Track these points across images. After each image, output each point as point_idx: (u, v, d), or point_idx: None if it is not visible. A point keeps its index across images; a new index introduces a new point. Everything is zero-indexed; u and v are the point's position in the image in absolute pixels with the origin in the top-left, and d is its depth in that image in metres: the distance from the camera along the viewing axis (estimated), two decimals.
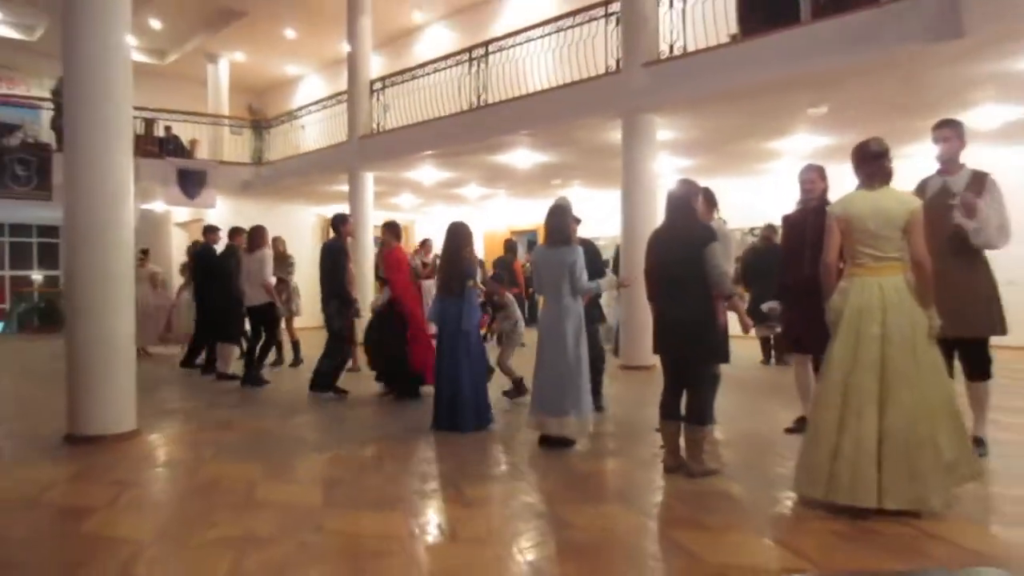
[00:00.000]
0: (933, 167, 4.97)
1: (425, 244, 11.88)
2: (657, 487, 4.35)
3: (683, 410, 4.48)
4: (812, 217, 5.21)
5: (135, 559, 3.20)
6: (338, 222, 7.88)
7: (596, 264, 6.42)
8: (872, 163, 3.97)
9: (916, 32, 6.96)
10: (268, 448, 5.41)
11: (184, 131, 17.11)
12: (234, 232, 9.43)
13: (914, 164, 10.50)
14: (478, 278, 6.34)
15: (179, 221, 18.77)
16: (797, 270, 5.24)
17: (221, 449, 5.38)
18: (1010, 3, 6.08)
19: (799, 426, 5.32)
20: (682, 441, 4.48)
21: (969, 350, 4.69)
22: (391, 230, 7.80)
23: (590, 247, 6.69)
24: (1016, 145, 10.69)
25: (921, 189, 4.81)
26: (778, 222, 6.30)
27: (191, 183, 15.73)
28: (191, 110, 17.36)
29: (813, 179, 5.36)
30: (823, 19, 7.84)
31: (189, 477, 4.67)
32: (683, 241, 4.41)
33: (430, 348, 7.06)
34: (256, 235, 8.78)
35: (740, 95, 8.77)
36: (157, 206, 17.42)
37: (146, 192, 16.36)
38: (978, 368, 4.71)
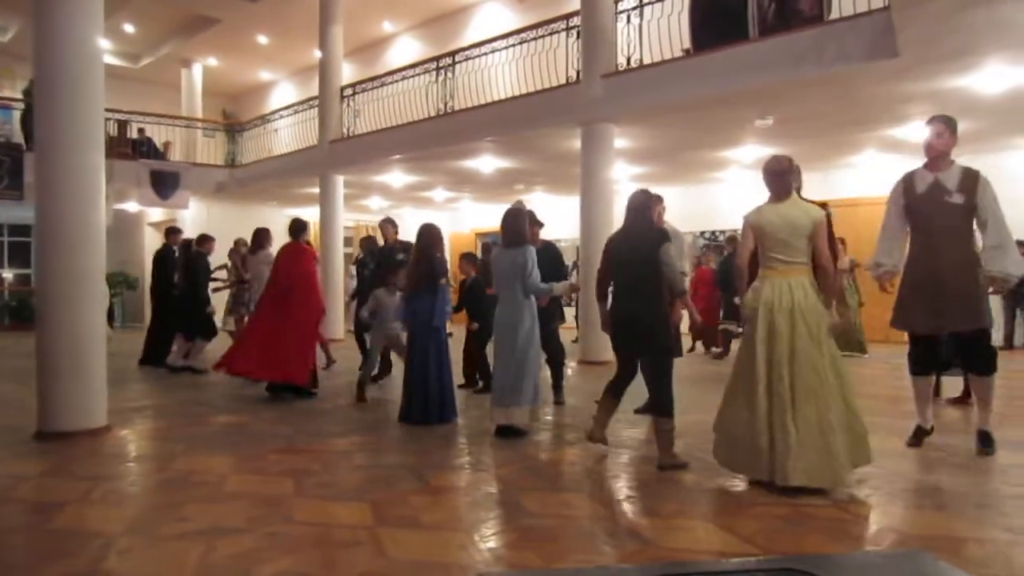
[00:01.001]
0: (868, 175, 5.03)
1: None
2: (612, 475, 4.39)
3: (641, 401, 4.57)
4: None
5: (105, 552, 3.12)
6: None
7: (557, 267, 6.44)
8: (778, 179, 4.21)
9: (855, 51, 7.12)
10: (239, 442, 5.32)
11: (157, 133, 16.78)
12: (203, 239, 9.53)
13: (856, 174, 10.85)
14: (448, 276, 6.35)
15: (152, 221, 18.41)
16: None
17: (192, 443, 5.27)
18: (940, 27, 6.24)
19: None
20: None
21: (972, 344, 4.47)
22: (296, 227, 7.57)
23: (553, 250, 6.72)
24: None
25: (909, 184, 4.62)
26: (730, 228, 6.38)
27: (164, 184, 15.41)
28: (164, 113, 17.02)
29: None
30: (770, 37, 7.97)
31: (160, 471, 4.57)
32: (640, 243, 4.52)
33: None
34: (261, 236, 8.85)
35: (692, 107, 8.88)
36: (130, 207, 17.06)
37: (120, 193, 16.02)
38: (982, 361, 4.49)
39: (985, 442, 4.53)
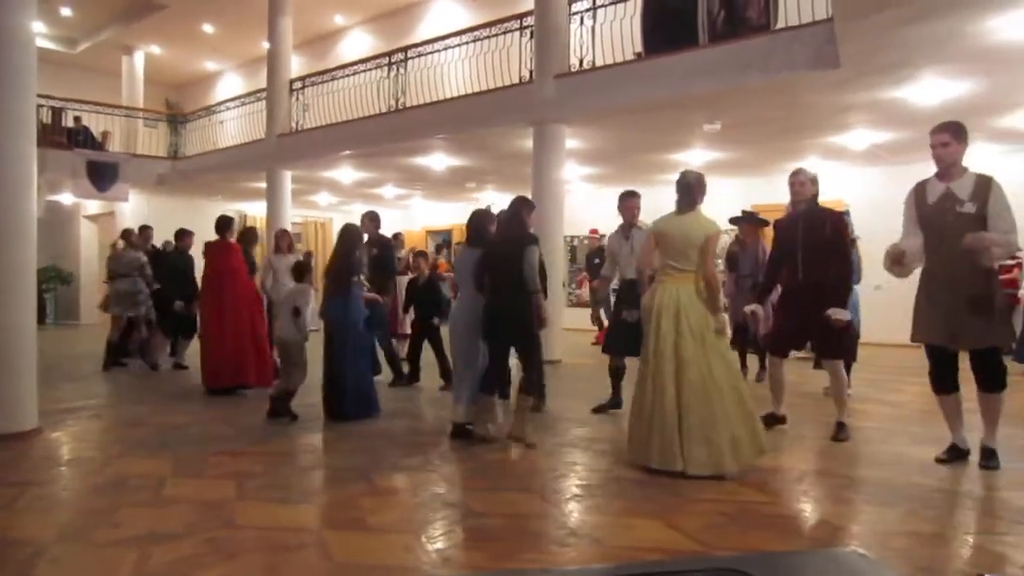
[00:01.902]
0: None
1: (398, 238, 10.94)
2: (560, 475, 4.40)
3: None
4: (804, 220, 5.16)
5: (35, 560, 3.00)
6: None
7: None
8: (685, 192, 4.50)
9: (800, 61, 7.30)
10: (179, 444, 5.17)
11: (95, 122, 16.15)
12: (182, 234, 9.32)
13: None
14: (363, 276, 6.40)
15: (89, 214, 17.78)
16: (791, 274, 5.17)
17: (129, 446, 5.11)
18: (879, 40, 6.44)
19: (767, 423, 5.13)
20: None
21: (982, 361, 4.26)
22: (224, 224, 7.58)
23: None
24: (881, 166, 11.37)
25: (921, 194, 4.44)
26: None
27: (102, 176, 14.87)
28: (103, 101, 16.43)
29: (803, 182, 5.17)
30: (718, 44, 8.12)
31: (94, 475, 4.41)
32: (512, 245, 4.99)
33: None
34: (282, 238, 8.98)
35: (642, 109, 8.99)
36: (65, 198, 16.44)
37: (53, 184, 15.40)
38: (991, 379, 4.26)
39: (988, 457, 4.32)
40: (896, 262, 4.46)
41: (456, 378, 5.42)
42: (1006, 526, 3.39)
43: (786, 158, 10.97)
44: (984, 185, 4.24)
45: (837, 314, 4.96)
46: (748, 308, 5.90)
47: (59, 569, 2.96)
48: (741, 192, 13.07)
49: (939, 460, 4.50)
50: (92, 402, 6.96)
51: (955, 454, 4.48)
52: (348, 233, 6.24)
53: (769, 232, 5.98)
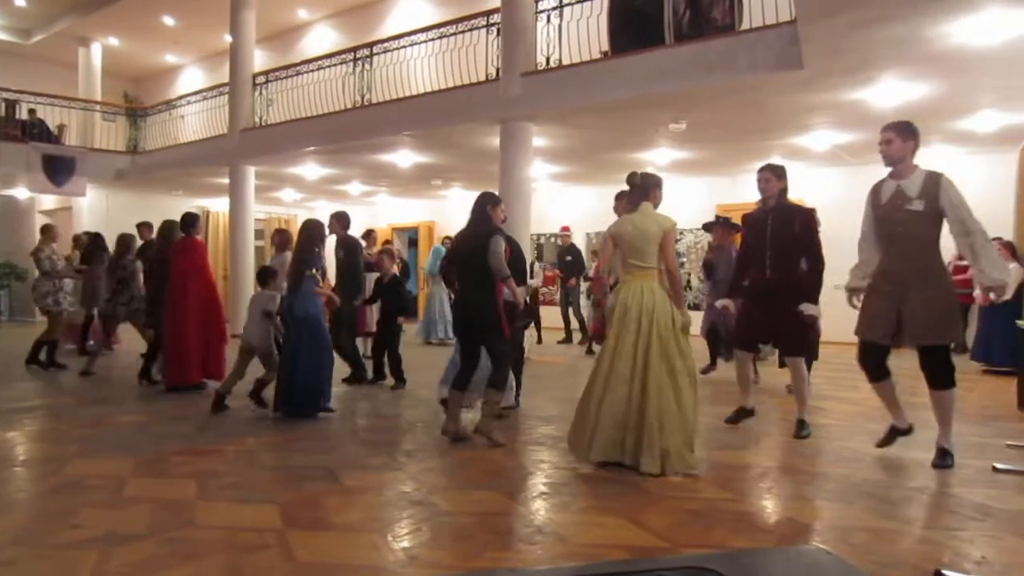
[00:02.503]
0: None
1: (370, 236, 10.73)
2: (527, 473, 4.42)
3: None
4: (773, 216, 5.16)
5: None
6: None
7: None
8: (634, 193, 4.72)
9: (764, 62, 7.40)
10: (138, 443, 5.07)
11: (51, 115, 15.71)
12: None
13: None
14: (320, 270, 6.31)
15: (45, 209, 17.33)
16: (759, 270, 5.20)
17: (87, 445, 4.99)
18: (841, 41, 6.57)
19: (737, 418, 5.42)
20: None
21: (930, 359, 4.31)
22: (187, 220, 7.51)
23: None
24: (843, 166, 11.60)
25: (876, 194, 4.53)
26: None
27: (58, 170, 14.50)
28: (59, 94, 16.00)
29: (768, 178, 5.19)
30: (684, 44, 8.20)
31: (51, 476, 4.30)
32: (477, 240, 5.05)
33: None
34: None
35: (609, 108, 9.04)
36: (19, 193, 16.00)
37: (7, 178, 15.00)
38: (940, 376, 4.31)
39: (942, 456, 4.39)
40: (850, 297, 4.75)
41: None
42: (961, 522, 3.48)
43: (751, 158, 11.12)
44: (933, 183, 4.29)
45: (809, 309, 5.02)
46: (720, 303, 5.97)
47: (15, 572, 2.89)
48: (707, 192, 13.25)
49: (879, 445, 4.71)
50: (48, 401, 6.80)
51: (894, 435, 4.68)
52: (307, 228, 6.28)
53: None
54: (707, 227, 8.46)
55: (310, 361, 5.94)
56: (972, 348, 9.34)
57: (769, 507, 3.82)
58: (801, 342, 5.28)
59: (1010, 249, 8.71)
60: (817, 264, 5.17)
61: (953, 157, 10.48)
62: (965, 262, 10.31)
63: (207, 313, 7.27)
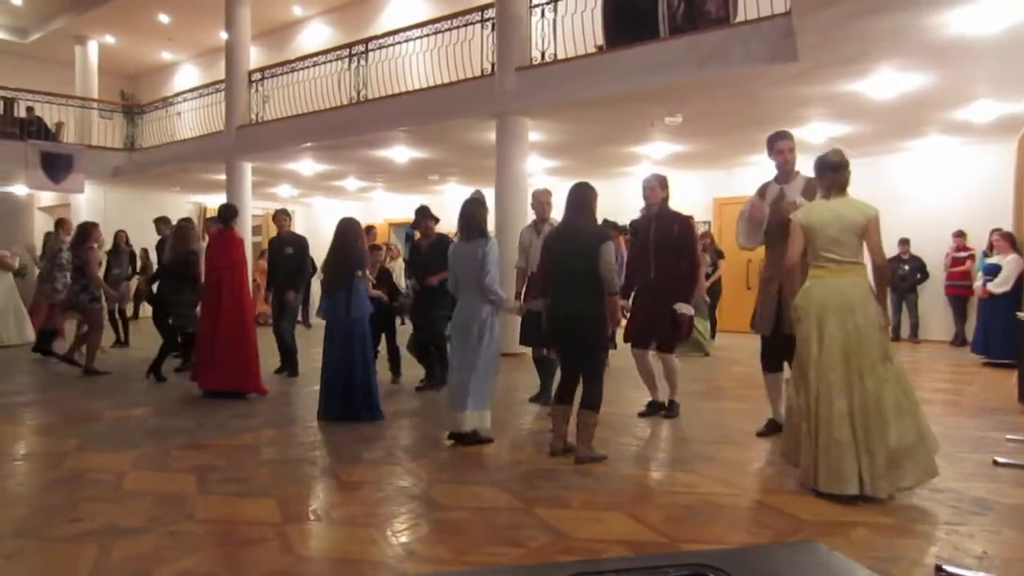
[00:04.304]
0: (769, 174, 5.14)
1: (369, 233, 10.89)
2: (524, 469, 4.41)
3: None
4: (655, 222, 5.56)
5: None
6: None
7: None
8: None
9: (758, 54, 7.39)
10: (138, 437, 5.07)
11: (48, 113, 15.67)
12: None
13: (759, 171, 11.25)
14: (367, 271, 6.12)
15: (43, 205, 17.30)
16: (644, 271, 5.55)
17: (87, 439, 4.98)
18: (836, 33, 6.55)
19: (651, 410, 5.70)
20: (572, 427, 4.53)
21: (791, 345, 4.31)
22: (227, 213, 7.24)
23: (447, 244, 6.60)
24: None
25: (760, 195, 4.92)
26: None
27: (56, 167, 14.47)
28: (56, 92, 15.94)
29: (653, 187, 5.57)
30: (678, 37, 8.18)
31: (51, 469, 4.30)
32: (578, 238, 4.44)
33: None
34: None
35: (604, 102, 9.02)
36: (18, 189, 15.97)
37: (5, 175, 14.97)
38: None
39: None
40: (747, 221, 4.84)
41: (452, 386, 4.95)
42: (962, 516, 3.46)
43: (746, 151, 11.11)
44: (812, 186, 4.50)
45: (682, 308, 5.37)
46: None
47: (16, 565, 2.89)
48: (702, 185, 13.23)
49: (760, 435, 4.99)
50: (47, 395, 6.79)
51: (773, 427, 4.92)
52: (348, 228, 5.85)
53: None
54: None
55: (366, 366, 5.65)
56: (971, 340, 9.35)
57: (767, 502, 3.80)
58: (673, 339, 5.60)
59: (1009, 239, 8.70)
60: (692, 266, 5.52)
61: (950, 148, 10.49)
62: (962, 255, 10.40)
63: (240, 313, 6.66)
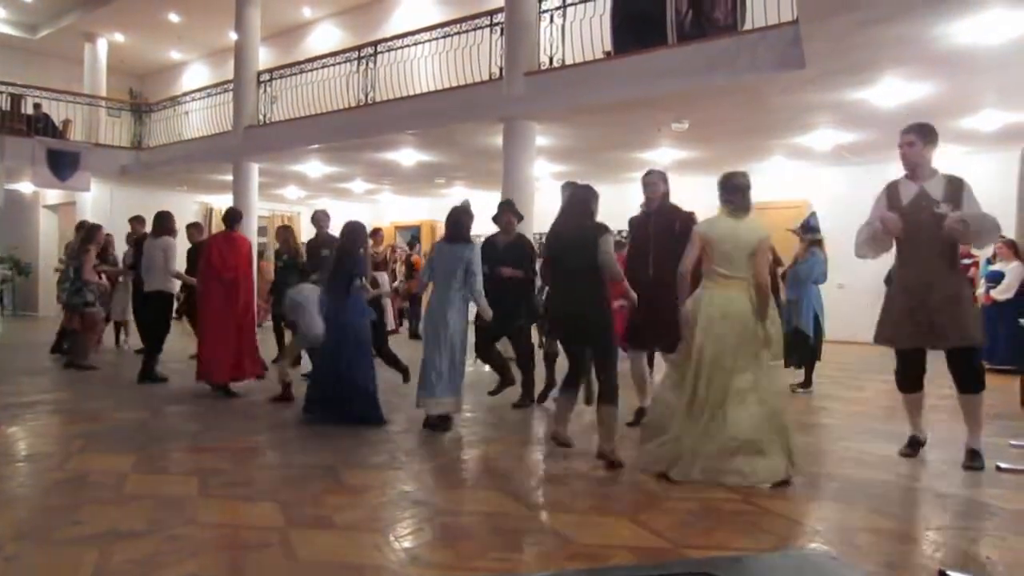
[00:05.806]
0: (776, 181, 5.13)
1: (376, 236, 10.46)
2: (529, 472, 4.39)
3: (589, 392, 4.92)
4: (655, 218, 5.38)
5: None
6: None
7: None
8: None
9: (765, 61, 7.37)
10: (140, 439, 5.04)
11: (56, 110, 15.69)
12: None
13: (765, 179, 11.25)
14: (368, 276, 6.11)
15: (49, 203, 17.32)
16: (643, 270, 5.27)
17: (89, 441, 4.96)
18: (844, 41, 6.53)
19: (638, 419, 5.35)
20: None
21: (960, 362, 4.29)
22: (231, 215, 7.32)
23: (525, 246, 6.57)
24: (845, 166, 11.55)
25: (894, 194, 4.47)
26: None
27: (63, 164, 14.47)
28: (65, 89, 15.97)
29: (655, 182, 5.42)
30: (686, 44, 8.16)
31: (53, 471, 4.27)
32: (581, 232, 4.54)
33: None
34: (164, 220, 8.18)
35: (611, 108, 9.01)
36: (24, 187, 15.99)
37: (12, 172, 14.98)
38: (970, 379, 4.30)
39: (973, 458, 4.33)
40: (880, 236, 4.44)
41: (432, 370, 5.30)
42: (967, 521, 3.44)
43: (753, 158, 11.09)
44: (957, 187, 4.30)
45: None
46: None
47: (16, 568, 2.87)
48: (708, 192, 13.13)
49: (903, 454, 4.63)
50: (50, 396, 6.77)
51: (916, 447, 4.64)
52: (350, 231, 5.88)
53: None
54: None
55: (354, 370, 5.62)
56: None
57: (771, 508, 3.77)
58: (675, 341, 5.23)
59: (1013, 247, 8.67)
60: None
61: (955, 156, 10.43)
62: (966, 261, 10.34)
63: (249, 308, 6.91)
